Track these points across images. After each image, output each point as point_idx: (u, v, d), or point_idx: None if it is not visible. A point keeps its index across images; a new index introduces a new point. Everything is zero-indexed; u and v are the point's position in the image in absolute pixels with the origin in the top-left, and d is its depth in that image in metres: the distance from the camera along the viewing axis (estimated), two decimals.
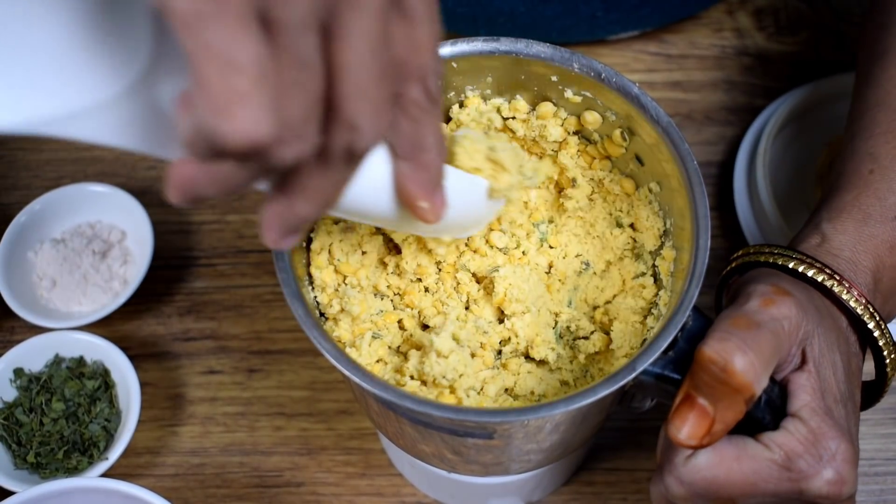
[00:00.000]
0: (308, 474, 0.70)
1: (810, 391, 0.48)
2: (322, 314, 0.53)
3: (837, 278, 0.52)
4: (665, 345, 0.45)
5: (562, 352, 0.55)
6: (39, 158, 0.82)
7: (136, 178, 0.81)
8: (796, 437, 0.47)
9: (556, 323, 0.55)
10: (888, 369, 0.53)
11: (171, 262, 0.77)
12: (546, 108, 0.55)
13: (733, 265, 0.56)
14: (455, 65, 0.53)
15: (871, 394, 0.55)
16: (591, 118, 0.54)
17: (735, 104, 0.84)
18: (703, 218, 0.48)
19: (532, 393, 0.54)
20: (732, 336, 0.46)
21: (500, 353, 0.55)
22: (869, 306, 0.52)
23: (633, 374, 0.45)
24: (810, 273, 0.52)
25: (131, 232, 0.76)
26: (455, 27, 0.81)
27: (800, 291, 0.50)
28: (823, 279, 0.52)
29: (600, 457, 0.70)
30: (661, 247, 0.55)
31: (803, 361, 0.49)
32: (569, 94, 0.53)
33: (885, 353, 0.53)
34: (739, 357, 0.45)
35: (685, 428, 0.46)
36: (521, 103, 0.55)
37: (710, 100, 0.84)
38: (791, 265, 0.52)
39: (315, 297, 0.53)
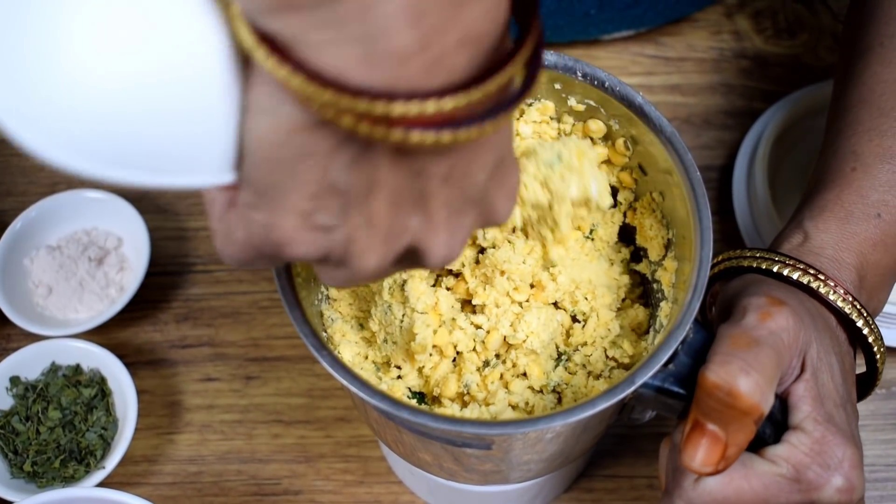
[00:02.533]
0: (306, 482, 0.69)
1: (810, 401, 0.48)
2: (326, 297, 0.53)
3: (822, 278, 0.51)
4: (665, 358, 0.45)
5: (558, 378, 0.54)
6: (34, 164, 0.82)
7: None
8: (801, 449, 0.47)
9: (559, 356, 0.55)
10: (878, 364, 0.53)
11: (168, 268, 0.77)
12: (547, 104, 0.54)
13: (716, 270, 0.55)
14: None
15: (862, 387, 0.55)
16: (595, 127, 0.53)
17: (734, 108, 0.83)
18: (706, 229, 0.48)
19: (527, 403, 0.54)
20: (734, 358, 0.45)
21: (495, 356, 0.55)
22: (855, 303, 0.52)
23: (633, 388, 0.44)
24: (795, 276, 0.52)
25: (127, 238, 0.75)
26: None
27: (792, 297, 0.50)
28: (809, 281, 0.51)
29: (599, 463, 0.69)
30: (663, 257, 0.54)
31: (802, 370, 0.49)
32: (572, 102, 0.53)
33: (875, 348, 0.53)
34: (744, 379, 0.45)
35: (699, 455, 0.46)
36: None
37: (709, 103, 0.84)
38: (775, 269, 0.52)
39: (321, 292, 0.53)
